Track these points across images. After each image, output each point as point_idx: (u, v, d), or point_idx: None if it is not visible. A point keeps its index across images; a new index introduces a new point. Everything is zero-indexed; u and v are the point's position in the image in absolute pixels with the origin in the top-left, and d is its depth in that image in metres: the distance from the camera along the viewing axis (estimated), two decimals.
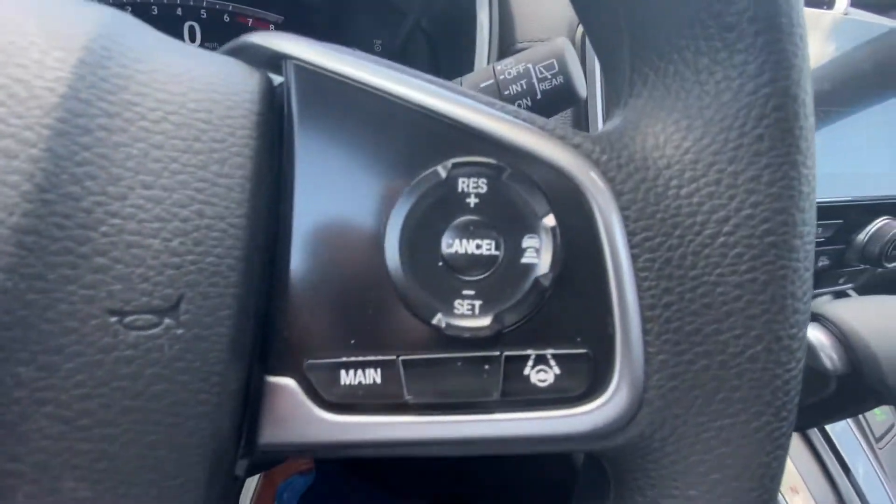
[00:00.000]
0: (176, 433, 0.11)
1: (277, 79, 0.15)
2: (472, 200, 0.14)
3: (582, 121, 0.39)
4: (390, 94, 0.14)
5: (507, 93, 0.24)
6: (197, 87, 0.12)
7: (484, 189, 0.14)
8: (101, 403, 0.10)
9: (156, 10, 0.44)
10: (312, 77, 0.14)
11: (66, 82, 0.10)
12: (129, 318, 0.11)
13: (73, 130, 0.10)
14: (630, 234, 0.13)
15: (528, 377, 0.14)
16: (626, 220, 0.13)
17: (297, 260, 0.14)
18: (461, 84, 0.24)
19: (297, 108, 0.14)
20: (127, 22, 0.13)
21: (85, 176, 0.10)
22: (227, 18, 0.46)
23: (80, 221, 0.10)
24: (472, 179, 0.14)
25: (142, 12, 0.43)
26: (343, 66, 0.14)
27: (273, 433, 0.14)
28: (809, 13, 0.46)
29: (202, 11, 0.45)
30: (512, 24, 0.40)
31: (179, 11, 0.44)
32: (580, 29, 0.39)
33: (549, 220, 0.14)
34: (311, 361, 0.14)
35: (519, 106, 0.24)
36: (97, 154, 0.11)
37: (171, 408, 0.11)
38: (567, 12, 0.40)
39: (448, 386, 0.14)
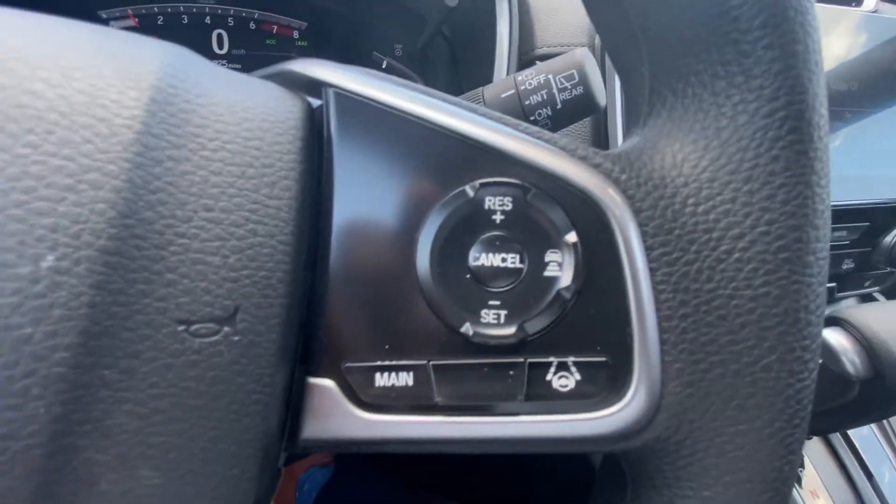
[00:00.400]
0: (234, 429, 0.13)
1: (314, 101, 0.16)
2: (498, 217, 0.15)
3: (602, 128, 0.39)
4: (422, 119, 0.15)
5: (527, 103, 0.25)
6: (249, 117, 0.14)
7: (509, 207, 0.15)
8: (171, 402, 0.12)
9: (186, 19, 0.46)
10: (350, 103, 0.15)
11: (141, 119, 0.12)
12: (194, 327, 0.12)
13: (148, 162, 0.12)
14: (648, 249, 0.14)
15: (550, 382, 0.15)
16: (644, 235, 0.14)
17: (336, 271, 0.15)
18: (483, 94, 0.25)
19: (336, 132, 0.15)
20: (187, 58, 0.14)
21: (157, 202, 0.12)
22: (252, 26, 0.47)
23: (154, 242, 0.12)
24: (498, 198, 0.15)
25: (173, 21, 0.45)
26: (379, 92, 0.15)
27: (313, 429, 0.15)
28: (836, 10, 0.45)
29: (229, 20, 0.47)
30: (532, 30, 0.40)
31: (208, 20, 0.46)
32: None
33: (571, 237, 0.14)
34: (348, 364, 0.15)
35: (539, 115, 0.24)
36: (167, 182, 0.12)
37: (229, 406, 0.12)
38: (587, 20, 0.40)
39: (475, 389, 0.15)
